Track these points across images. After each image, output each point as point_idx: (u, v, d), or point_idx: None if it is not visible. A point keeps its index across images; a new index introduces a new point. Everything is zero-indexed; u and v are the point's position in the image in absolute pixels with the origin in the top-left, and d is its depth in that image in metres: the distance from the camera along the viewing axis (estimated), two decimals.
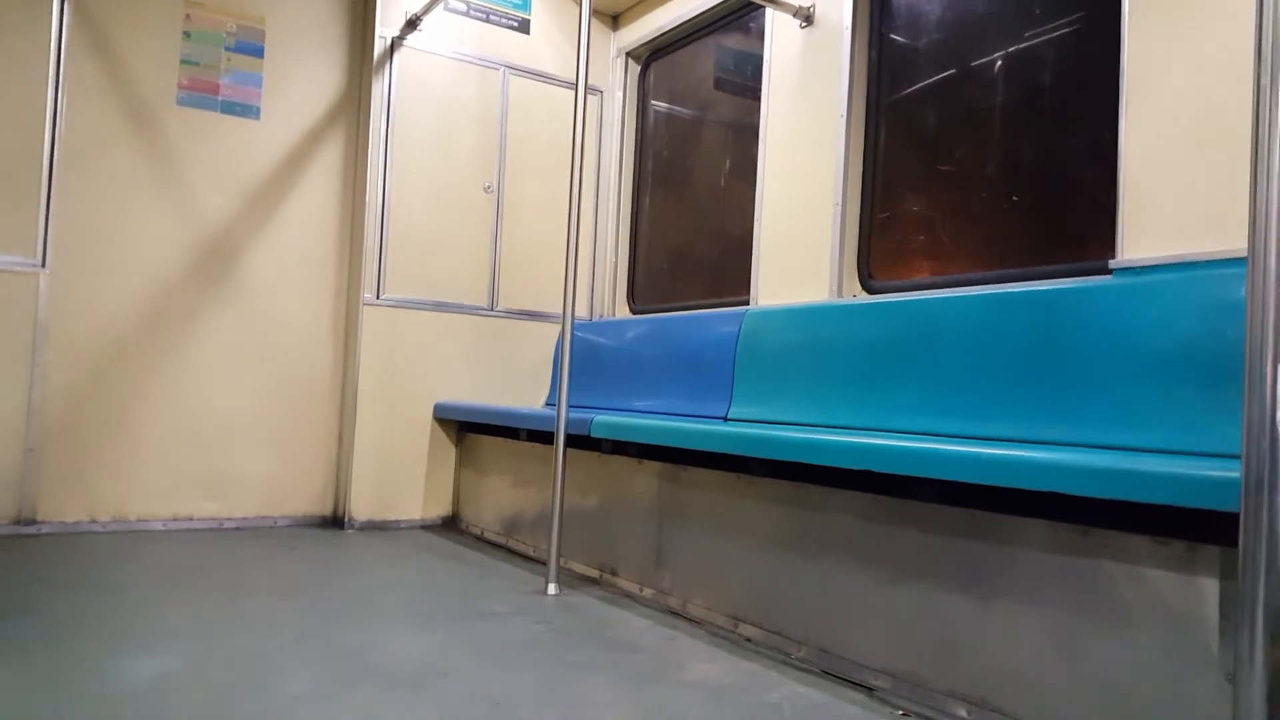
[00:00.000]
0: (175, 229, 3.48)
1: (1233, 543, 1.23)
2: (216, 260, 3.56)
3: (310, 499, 3.74)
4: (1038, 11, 2.53)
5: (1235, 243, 1.86)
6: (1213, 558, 1.41)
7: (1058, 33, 2.48)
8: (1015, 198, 2.60)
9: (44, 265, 3.20)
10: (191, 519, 3.49)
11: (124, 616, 2.20)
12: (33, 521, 3.20)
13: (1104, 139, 2.20)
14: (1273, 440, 1.22)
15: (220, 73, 3.57)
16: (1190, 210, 1.98)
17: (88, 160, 3.31)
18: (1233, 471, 1.26)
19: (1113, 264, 2.10)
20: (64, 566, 2.72)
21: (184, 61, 3.50)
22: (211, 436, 3.54)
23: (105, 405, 3.35)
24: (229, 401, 3.57)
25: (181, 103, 3.49)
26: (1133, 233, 2.08)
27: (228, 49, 3.58)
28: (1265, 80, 1.24)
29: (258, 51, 3.64)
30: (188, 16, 3.50)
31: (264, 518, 3.64)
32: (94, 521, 3.31)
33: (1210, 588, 1.40)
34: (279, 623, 2.22)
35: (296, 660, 1.93)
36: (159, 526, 3.42)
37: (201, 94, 3.53)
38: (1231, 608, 1.35)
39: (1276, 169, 1.23)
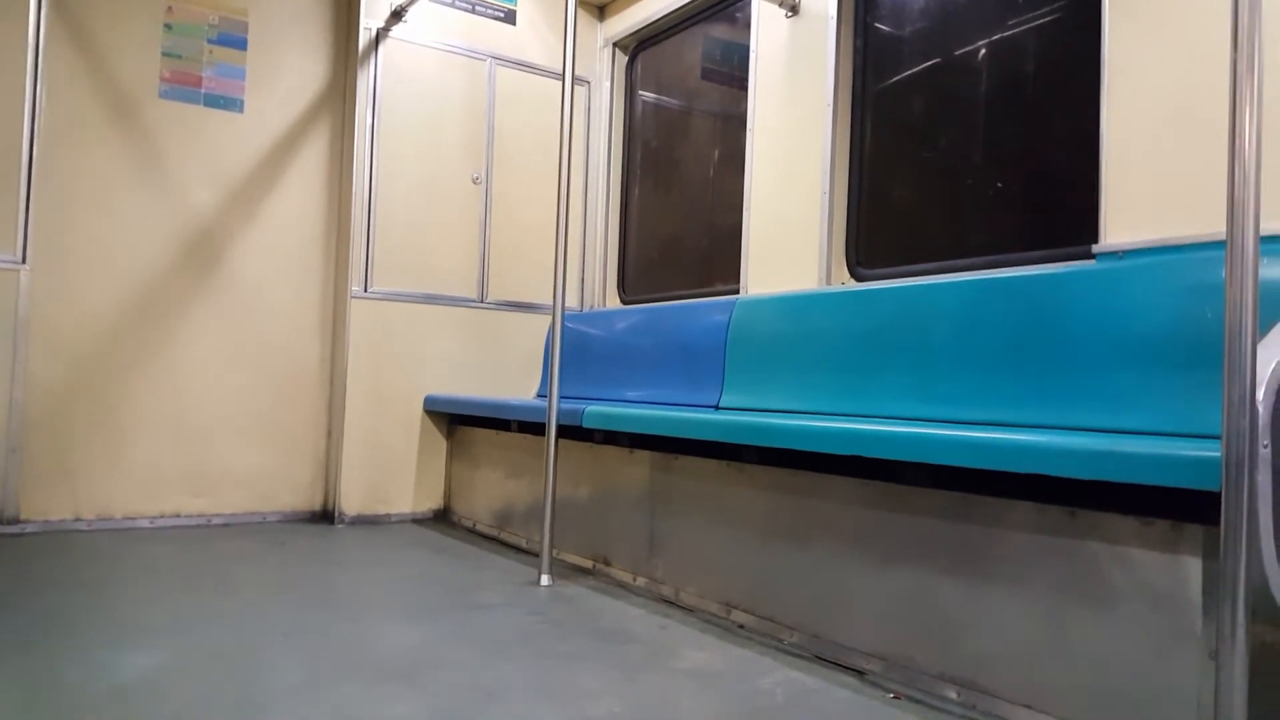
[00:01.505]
0: (159, 223, 3.46)
1: (1215, 522, 1.25)
2: (201, 254, 3.54)
3: (299, 494, 3.73)
4: (1020, 0, 2.54)
5: (1214, 226, 1.88)
6: (1196, 537, 1.43)
7: (1040, 22, 2.49)
8: (1000, 184, 2.62)
9: (24, 261, 3.17)
10: (179, 516, 3.48)
11: (111, 614, 2.19)
12: (16, 521, 3.17)
13: (1086, 126, 2.22)
14: (1252, 420, 1.24)
15: (203, 65, 3.54)
16: (1170, 195, 2.00)
17: (68, 154, 3.28)
18: (1214, 451, 1.28)
19: (1095, 249, 2.12)
20: (49, 565, 2.70)
21: (165, 54, 3.46)
22: (198, 432, 3.52)
23: (89, 402, 3.32)
24: (216, 397, 3.55)
25: (164, 95, 3.46)
26: (1115, 218, 2.10)
27: (210, 41, 3.55)
28: (1242, 67, 1.26)
29: (241, 44, 3.61)
30: (169, 8, 3.47)
31: (253, 514, 3.63)
32: (79, 520, 3.29)
33: (1194, 566, 1.43)
34: (269, 617, 2.22)
35: (287, 654, 1.93)
36: (145, 524, 3.40)
37: (184, 87, 3.50)
38: (1214, 586, 1.38)
39: (1252, 154, 1.25)
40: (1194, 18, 1.98)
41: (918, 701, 1.75)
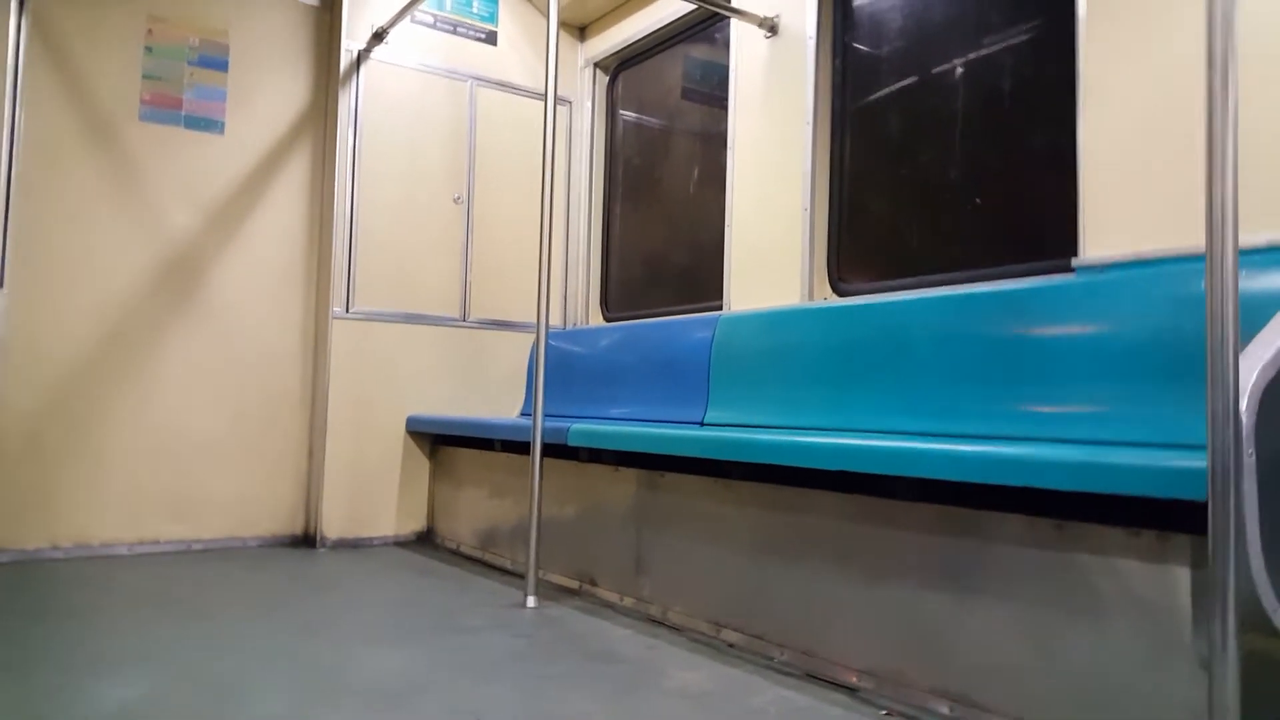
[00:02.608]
0: (139, 246, 3.42)
1: (1202, 531, 1.25)
2: (182, 277, 3.50)
3: (281, 518, 3.67)
4: (995, 20, 2.58)
5: (1193, 239, 1.91)
6: (1183, 547, 1.43)
7: (1015, 40, 2.53)
8: (979, 199, 2.64)
9: (1, 284, 3.12)
10: (158, 542, 3.41)
11: (89, 643, 2.14)
12: None
13: (1063, 142, 2.25)
14: (1236, 430, 1.25)
15: (183, 87, 3.52)
16: (1149, 209, 2.03)
17: (47, 176, 3.24)
18: (1199, 461, 1.29)
19: (1075, 262, 2.15)
20: (25, 595, 2.64)
21: (146, 76, 3.44)
22: (178, 457, 3.46)
23: (67, 427, 3.26)
24: (196, 420, 3.50)
25: (144, 118, 3.44)
26: (1094, 232, 2.13)
27: (190, 63, 3.54)
28: (1217, 83, 1.28)
29: (221, 65, 3.60)
30: (149, 30, 3.45)
31: (233, 538, 3.57)
32: (55, 548, 3.22)
33: (1182, 576, 1.43)
34: (251, 644, 2.17)
35: (270, 681, 1.89)
36: (124, 551, 3.33)
37: (164, 109, 3.48)
38: (1203, 596, 1.38)
39: (1230, 167, 1.27)
40: (1168, 33, 2.02)
41: (910, 718, 1.74)
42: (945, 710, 1.74)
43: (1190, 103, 1.96)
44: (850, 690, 1.90)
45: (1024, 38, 2.51)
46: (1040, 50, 2.47)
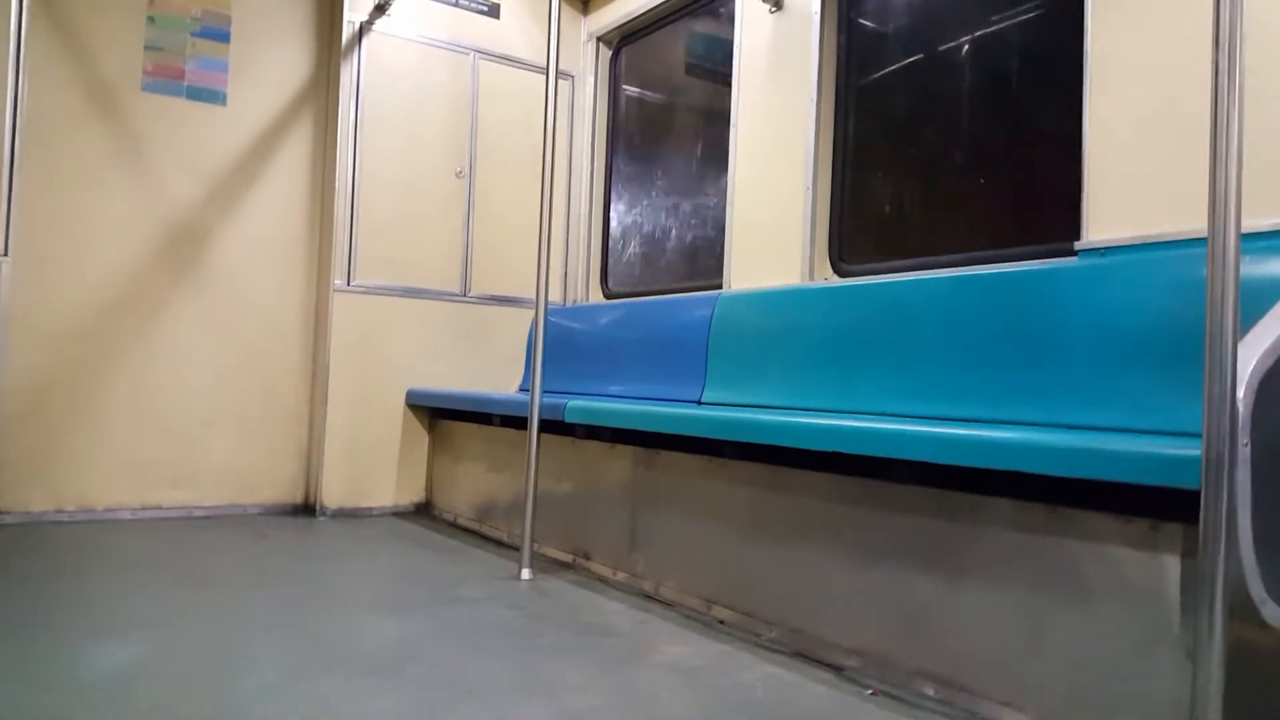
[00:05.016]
0: (141, 216, 3.42)
1: (1194, 520, 1.25)
2: (184, 247, 3.50)
3: (281, 487, 3.70)
4: None
5: (1195, 223, 1.88)
6: (1175, 535, 1.43)
7: (1023, 18, 2.49)
8: (982, 180, 2.61)
9: (5, 253, 3.13)
10: (160, 508, 3.45)
11: (91, 606, 2.17)
12: None
13: (1069, 122, 2.22)
14: (1232, 418, 1.23)
15: (185, 58, 3.50)
16: (1152, 192, 2.01)
17: (51, 147, 3.24)
18: (1194, 449, 1.27)
19: (1078, 245, 2.12)
20: (29, 557, 2.67)
21: (148, 47, 3.43)
22: (180, 424, 3.49)
23: (71, 394, 3.29)
24: (198, 389, 3.53)
25: (146, 89, 3.42)
26: (1097, 215, 2.10)
27: (193, 34, 3.51)
28: (1223, 65, 1.25)
29: (224, 36, 3.57)
30: (152, 1, 3.42)
31: (234, 506, 3.60)
32: (60, 511, 3.26)
33: (1172, 564, 1.43)
34: (250, 611, 2.19)
35: (268, 647, 1.91)
36: (127, 516, 3.37)
37: (166, 79, 3.46)
38: (1193, 585, 1.38)
39: (1234, 151, 1.25)
40: (1176, 14, 1.98)
41: (895, 698, 1.75)
42: (930, 692, 1.75)
43: (1198, 83, 1.93)
44: (837, 669, 1.91)
45: (1031, 15, 2.47)
46: (1048, 28, 2.42)
